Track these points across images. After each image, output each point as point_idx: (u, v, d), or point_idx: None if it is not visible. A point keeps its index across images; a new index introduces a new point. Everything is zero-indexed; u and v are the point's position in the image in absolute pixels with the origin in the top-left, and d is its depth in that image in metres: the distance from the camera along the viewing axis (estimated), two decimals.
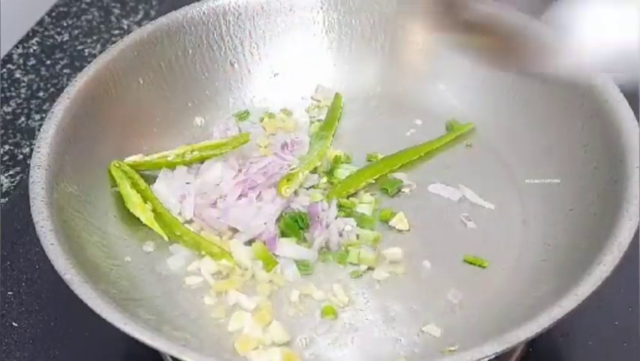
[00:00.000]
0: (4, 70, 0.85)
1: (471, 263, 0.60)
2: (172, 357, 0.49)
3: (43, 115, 0.79)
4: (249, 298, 0.57)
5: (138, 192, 0.61)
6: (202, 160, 0.64)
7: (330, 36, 0.71)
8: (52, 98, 0.80)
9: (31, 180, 0.56)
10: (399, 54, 0.71)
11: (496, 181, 0.65)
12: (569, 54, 0.52)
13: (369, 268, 0.60)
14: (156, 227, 0.60)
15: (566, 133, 0.62)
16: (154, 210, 0.61)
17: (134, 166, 0.63)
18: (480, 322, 0.56)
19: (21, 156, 0.76)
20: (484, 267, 0.60)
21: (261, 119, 0.70)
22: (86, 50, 0.87)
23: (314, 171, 0.65)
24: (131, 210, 0.60)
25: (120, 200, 0.62)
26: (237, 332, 0.56)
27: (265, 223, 0.61)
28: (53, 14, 0.92)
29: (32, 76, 0.84)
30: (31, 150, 0.66)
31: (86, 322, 0.59)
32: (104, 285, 0.53)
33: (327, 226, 0.61)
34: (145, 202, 0.61)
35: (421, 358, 0.55)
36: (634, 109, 0.59)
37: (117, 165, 0.62)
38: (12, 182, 0.74)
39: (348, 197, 0.64)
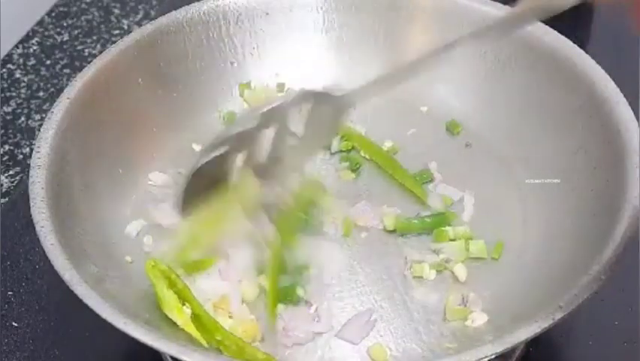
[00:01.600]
0: (4, 70, 0.85)
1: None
2: (172, 357, 0.49)
3: (43, 115, 0.79)
4: None
5: (175, 292, 0.56)
6: None
7: (330, 36, 0.71)
8: (52, 98, 0.80)
9: (31, 180, 0.56)
10: (399, 54, 0.71)
11: (496, 181, 0.65)
12: None
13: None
14: (194, 332, 0.55)
15: (566, 133, 0.62)
16: (193, 313, 0.55)
17: None
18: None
19: (21, 156, 0.76)
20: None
21: (241, 94, 0.70)
22: (86, 50, 0.87)
23: None
24: (167, 314, 0.55)
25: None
26: None
27: None
28: (53, 14, 0.92)
29: (32, 76, 0.84)
30: (31, 150, 0.66)
31: (86, 322, 0.59)
32: (104, 285, 0.53)
33: None
34: (183, 304, 0.56)
35: (421, 358, 0.55)
36: (634, 109, 0.59)
37: (153, 263, 0.56)
38: (12, 182, 0.74)
39: None
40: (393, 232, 0.62)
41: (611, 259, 0.50)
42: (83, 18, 0.92)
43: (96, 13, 0.92)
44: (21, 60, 0.86)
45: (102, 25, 0.91)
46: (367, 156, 0.67)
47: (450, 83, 0.70)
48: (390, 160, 0.66)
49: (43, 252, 0.52)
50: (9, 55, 0.87)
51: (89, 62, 0.64)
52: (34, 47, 0.88)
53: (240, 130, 0.56)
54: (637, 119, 0.58)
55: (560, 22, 0.66)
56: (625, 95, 0.60)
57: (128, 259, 0.60)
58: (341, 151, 0.68)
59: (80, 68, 0.69)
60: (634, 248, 0.52)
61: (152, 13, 0.91)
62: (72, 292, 0.50)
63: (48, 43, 0.88)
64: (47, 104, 0.81)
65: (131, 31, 0.77)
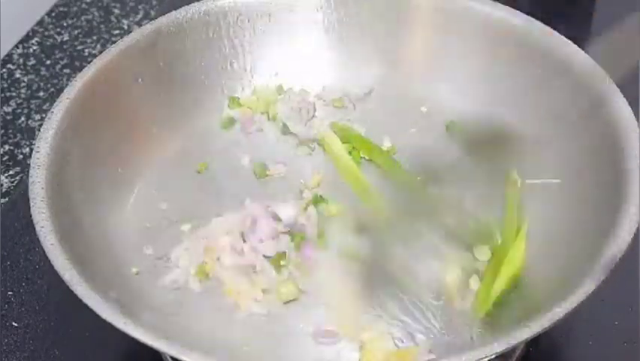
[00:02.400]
0: (4, 70, 0.85)
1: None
2: (172, 357, 0.49)
3: (43, 115, 0.79)
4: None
5: None
6: None
7: (330, 36, 0.71)
8: (52, 98, 0.80)
9: (31, 180, 0.56)
10: (399, 54, 0.71)
11: (496, 181, 0.65)
12: None
13: None
14: None
15: (566, 133, 0.62)
16: None
17: None
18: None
19: (21, 156, 0.76)
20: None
21: (240, 94, 0.70)
22: (86, 50, 0.87)
23: None
24: None
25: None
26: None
27: None
28: (53, 14, 0.92)
29: (32, 76, 0.84)
30: (31, 150, 0.66)
31: (86, 322, 0.59)
32: (104, 285, 0.53)
33: None
34: None
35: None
36: (634, 109, 0.59)
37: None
38: (12, 182, 0.74)
39: None
40: None
41: (610, 259, 0.50)
42: (83, 18, 0.92)
43: (96, 13, 0.92)
44: (21, 60, 0.86)
45: (102, 25, 0.91)
46: (367, 157, 0.67)
47: (450, 83, 0.69)
48: (390, 160, 0.66)
49: (43, 252, 0.52)
50: (9, 55, 0.87)
51: (89, 62, 0.64)
52: (34, 47, 0.88)
53: None
54: (637, 119, 0.58)
55: (560, 22, 0.66)
56: (625, 95, 0.60)
57: (128, 258, 0.60)
58: None
59: (80, 68, 0.69)
60: (634, 248, 0.52)
61: (152, 13, 0.91)
62: (72, 292, 0.50)
63: (48, 43, 0.88)
64: (47, 104, 0.81)
65: (131, 31, 0.78)
